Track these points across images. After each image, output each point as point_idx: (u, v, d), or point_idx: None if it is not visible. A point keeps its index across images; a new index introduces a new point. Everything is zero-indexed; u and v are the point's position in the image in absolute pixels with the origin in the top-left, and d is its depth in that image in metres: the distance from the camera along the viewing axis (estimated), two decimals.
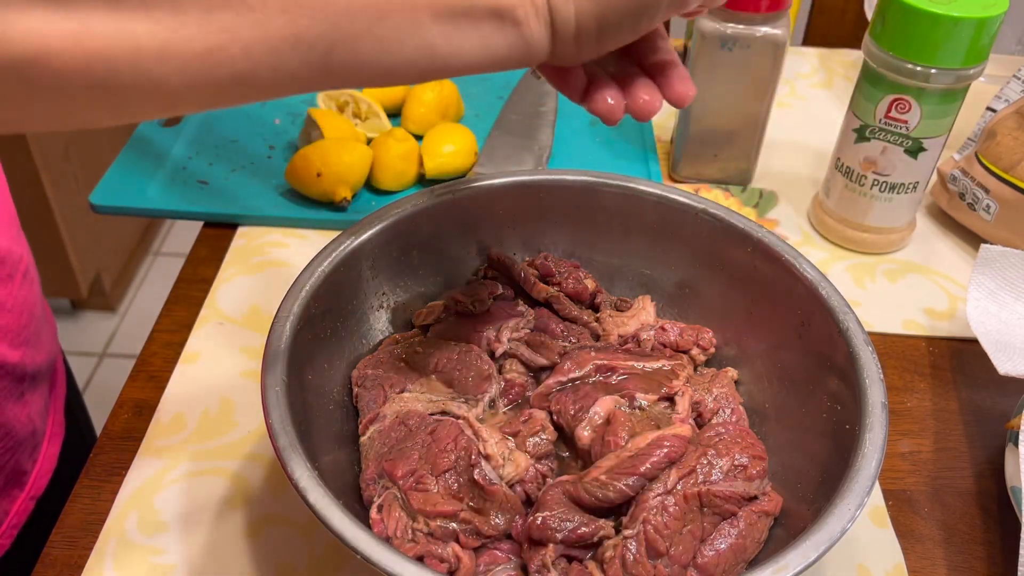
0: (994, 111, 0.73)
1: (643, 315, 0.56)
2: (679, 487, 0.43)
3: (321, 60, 0.33)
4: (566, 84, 0.44)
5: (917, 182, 0.68)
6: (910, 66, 0.61)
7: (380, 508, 0.45)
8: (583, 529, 0.43)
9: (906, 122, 0.64)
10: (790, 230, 0.74)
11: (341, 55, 0.33)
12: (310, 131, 0.76)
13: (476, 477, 0.45)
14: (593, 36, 0.37)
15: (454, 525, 0.44)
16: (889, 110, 0.64)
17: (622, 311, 0.57)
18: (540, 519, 0.43)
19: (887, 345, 0.64)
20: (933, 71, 0.61)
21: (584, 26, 0.36)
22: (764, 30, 0.69)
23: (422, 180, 0.76)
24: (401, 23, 0.33)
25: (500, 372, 0.54)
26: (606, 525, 0.44)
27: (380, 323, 0.56)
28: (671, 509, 0.43)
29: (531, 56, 0.37)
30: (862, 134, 0.67)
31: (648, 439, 0.45)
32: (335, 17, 0.32)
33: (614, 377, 0.52)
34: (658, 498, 0.43)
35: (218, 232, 0.72)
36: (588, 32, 0.37)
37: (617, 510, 0.45)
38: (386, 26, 0.33)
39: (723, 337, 0.56)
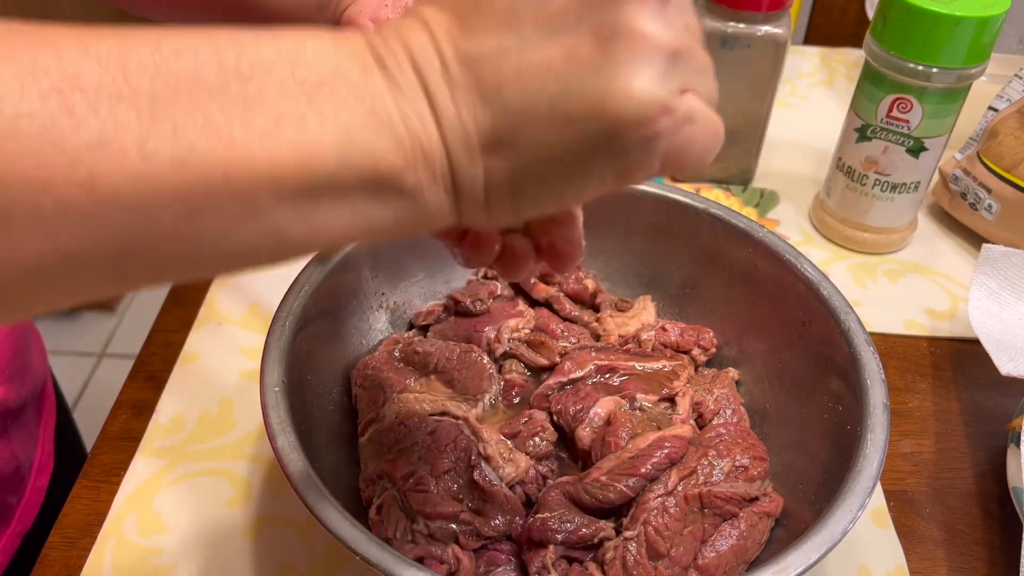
0: (996, 110, 0.72)
1: (644, 315, 0.56)
2: (680, 488, 0.43)
3: (110, 271, 0.25)
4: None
5: (918, 182, 0.68)
6: (912, 65, 0.61)
7: (379, 509, 0.45)
8: (583, 530, 0.43)
9: (908, 121, 0.64)
10: (791, 230, 0.74)
11: (138, 263, 0.25)
12: None
13: (476, 478, 0.45)
14: (508, 204, 0.29)
15: (454, 526, 0.44)
16: (891, 109, 0.64)
17: (623, 311, 0.57)
18: (540, 520, 0.43)
19: (888, 345, 0.64)
20: (935, 70, 0.61)
21: (496, 193, 0.28)
22: (765, 29, 0.68)
23: None
24: (227, 215, 0.25)
25: (500, 372, 0.54)
26: (606, 526, 0.44)
27: (380, 323, 0.56)
28: (672, 510, 0.42)
29: (430, 224, 0.29)
30: (863, 133, 0.67)
31: (649, 440, 0.45)
32: (119, 222, 0.23)
33: (615, 378, 0.51)
34: (659, 499, 0.43)
35: None
36: (501, 200, 0.29)
37: (617, 511, 0.44)
38: (203, 223, 0.25)
39: (724, 337, 0.56)
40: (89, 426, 0.78)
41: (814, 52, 0.99)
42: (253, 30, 0.26)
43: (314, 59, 0.26)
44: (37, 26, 0.24)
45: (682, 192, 0.56)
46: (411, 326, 0.57)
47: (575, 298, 0.58)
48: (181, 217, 0.24)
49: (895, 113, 0.64)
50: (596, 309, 0.58)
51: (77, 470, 0.54)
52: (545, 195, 0.29)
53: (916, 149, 0.65)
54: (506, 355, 0.55)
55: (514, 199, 0.29)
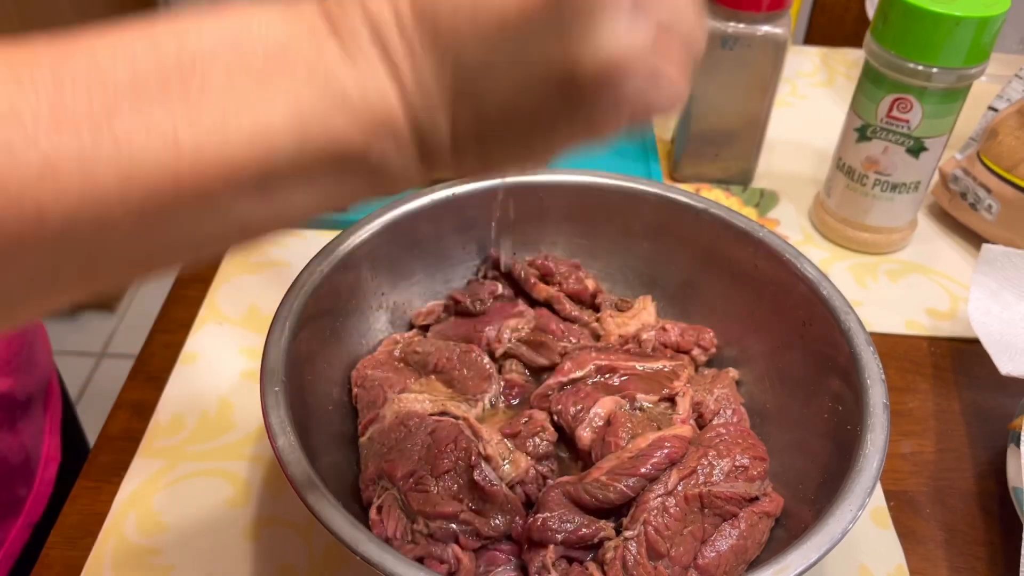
0: (996, 110, 0.72)
1: (644, 315, 0.56)
2: (680, 488, 0.43)
3: (79, 282, 0.25)
4: None
5: (919, 182, 0.68)
6: (912, 65, 0.61)
7: (380, 509, 0.45)
8: (583, 530, 0.43)
9: (908, 121, 0.64)
10: (791, 230, 0.74)
11: (105, 270, 0.25)
12: None
13: (476, 478, 0.45)
14: (475, 158, 0.28)
15: (454, 526, 0.44)
16: (891, 109, 0.64)
17: (623, 311, 0.57)
18: (540, 520, 0.43)
19: (889, 345, 0.64)
20: (935, 70, 0.61)
21: (463, 147, 0.28)
22: (765, 29, 0.68)
23: None
24: (184, 217, 0.24)
25: (500, 372, 0.54)
26: (607, 526, 0.44)
27: (380, 323, 0.56)
28: (672, 510, 0.42)
29: (399, 188, 0.29)
30: (863, 133, 0.67)
31: (649, 440, 0.45)
32: (75, 244, 0.23)
33: (615, 378, 0.51)
34: (659, 499, 0.43)
35: None
36: (468, 154, 0.28)
37: (618, 511, 0.44)
38: (161, 229, 0.24)
39: (724, 337, 0.56)
40: (89, 426, 0.78)
41: (814, 52, 0.99)
42: (196, 15, 0.25)
43: (261, 37, 0.25)
44: None
45: (682, 192, 0.56)
46: (411, 326, 0.57)
47: (575, 298, 0.58)
48: (137, 228, 0.24)
49: (895, 113, 0.64)
50: (596, 309, 0.58)
51: (82, 463, 0.54)
52: (511, 146, 0.28)
53: (916, 149, 0.65)
54: (506, 355, 0.55)
55: (480, 153, 0.28)
